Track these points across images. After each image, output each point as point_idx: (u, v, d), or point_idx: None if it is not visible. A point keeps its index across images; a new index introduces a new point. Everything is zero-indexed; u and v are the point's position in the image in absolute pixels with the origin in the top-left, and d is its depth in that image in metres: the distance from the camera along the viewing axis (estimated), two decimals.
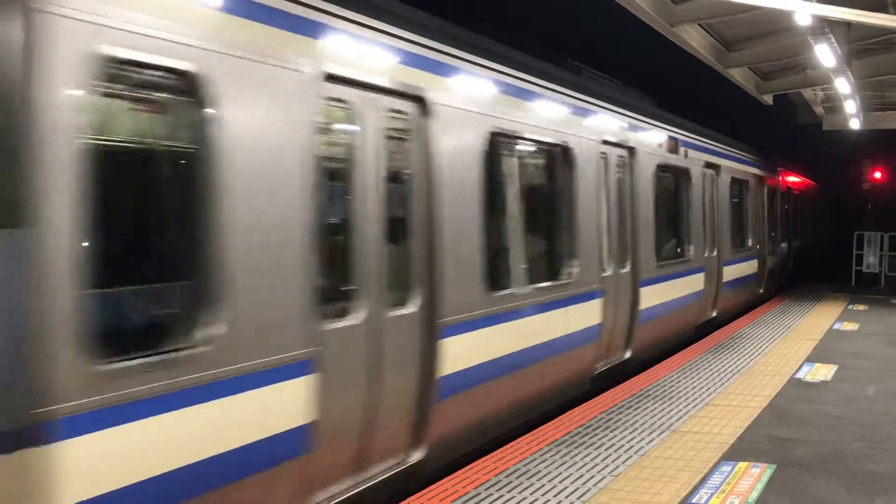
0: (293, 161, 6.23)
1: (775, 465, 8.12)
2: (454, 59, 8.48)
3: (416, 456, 7.87)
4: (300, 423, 6.27)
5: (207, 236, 5.58)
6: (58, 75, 4.59)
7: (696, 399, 10.84)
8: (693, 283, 16.42)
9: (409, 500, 7.19)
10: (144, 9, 5.14)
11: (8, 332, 4.39)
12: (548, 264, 10.97)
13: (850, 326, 18.00)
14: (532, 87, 10.22)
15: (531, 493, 7.32)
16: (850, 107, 22.51)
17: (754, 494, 7.34)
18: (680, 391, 11.28)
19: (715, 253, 18.17)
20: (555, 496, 7.26)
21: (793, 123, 30.33)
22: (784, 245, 26.65)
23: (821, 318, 19.19)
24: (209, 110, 5.60)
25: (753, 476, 7.82)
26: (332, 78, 6.74)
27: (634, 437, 9.05)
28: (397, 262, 7.62)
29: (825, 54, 14.93)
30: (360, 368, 7.03)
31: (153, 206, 5.88)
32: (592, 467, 8.03)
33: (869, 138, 37.85)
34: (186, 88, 5.52)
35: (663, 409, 10.27)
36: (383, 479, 7.42)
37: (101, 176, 4.84)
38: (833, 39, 14.08)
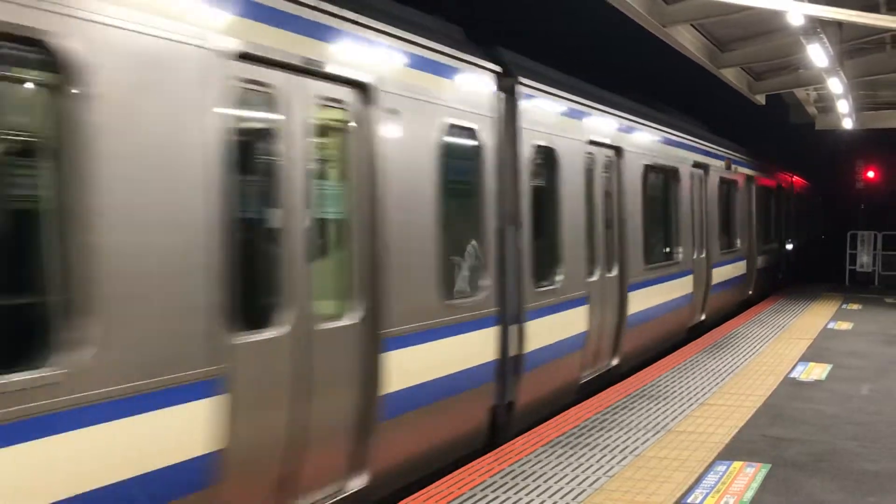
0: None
1: (770, 465, 8.14)
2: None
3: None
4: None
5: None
6: None
7: (691, 399, 10.86)
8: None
9: (403, 502, 7.20)
10: None
11: None
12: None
13: (845, 326, 18.04)
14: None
15: (526, 494, 7.33)
16: (843, 106, 22.56)
17: (749, 494, 7.36)
18: (675, 391, 11.30)
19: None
20: (550, 497, 7.27)
21: (786, 123, 30.39)
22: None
23: (815, 318, 19.23)
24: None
25: (748, 476, 7.83)
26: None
27: (630, 438, 9.06)
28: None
29: (817, 54, 14.97)
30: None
31: None
32: (588, 468, 8.05)
33: (862, 138, 37.92)
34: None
35: (658, 409, 10.29)
36: None
37: None
38: (825, 39, 14.11)
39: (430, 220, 8.03)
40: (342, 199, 7.12)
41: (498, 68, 9.44)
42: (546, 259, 10.54)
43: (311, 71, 6.57)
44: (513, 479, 7.73)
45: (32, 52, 4.60)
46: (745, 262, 21.81)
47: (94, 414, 4.73)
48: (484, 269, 9.08)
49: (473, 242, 9.26)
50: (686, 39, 16.63)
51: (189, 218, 5.38)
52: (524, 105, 9.86)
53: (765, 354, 14.15)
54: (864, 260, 30.81)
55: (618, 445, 8.76)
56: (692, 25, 16.61)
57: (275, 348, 6.14)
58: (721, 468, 8.03)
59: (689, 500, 7.21)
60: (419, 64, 7.97)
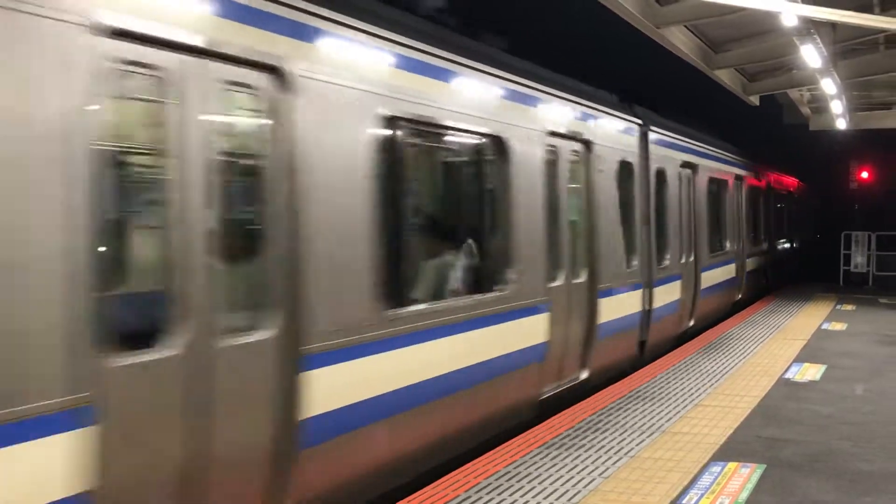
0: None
1: (765, 465, 8.16)
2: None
3: None
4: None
5: None
6: None
7: (686, 400, 10.88)
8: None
9: None
10: None
11: None
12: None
13: (839, 326, 18.07)
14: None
15: (521, 497, 7.34)
16: (837, 107, 22.59)
17: (744, 494, 7.38)
18: (670, 392, 11.32)
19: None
20: (545, 498, 7.28)
21: (779, 124, 30.45)
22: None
23: (809, 318, 19.26)
24: None
25: (743, 476, 7.85)
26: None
27: (625, 439, 9.08)
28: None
29: (811, 55, 15.00)
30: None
31: None
32: (582, 469, 8.06)
33: (855, 138, 37.99)
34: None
35: (653, 410, 10.31)
36: None
37: None
38: (819, 40, 14.14)
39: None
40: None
41: (639, 121, 13.97)
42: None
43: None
44: (507, 480, 7.74)
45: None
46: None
47: None
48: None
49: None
50: (679, 41, 16.65)
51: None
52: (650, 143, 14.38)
53: (759, 355, 14.18)
54: (859, 260, 30.89)
55: (613, 447, 8.78)
56: (685, 27, 16.63)
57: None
58: (716, 469, 8.05)
59: (684, 501, 7.23)
60: (610, 125, 12.17)
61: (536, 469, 8.07)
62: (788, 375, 12.50)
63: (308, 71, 6.54)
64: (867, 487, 7.63)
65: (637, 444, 8.86)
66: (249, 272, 6.32)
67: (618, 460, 8.33)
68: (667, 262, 15.31)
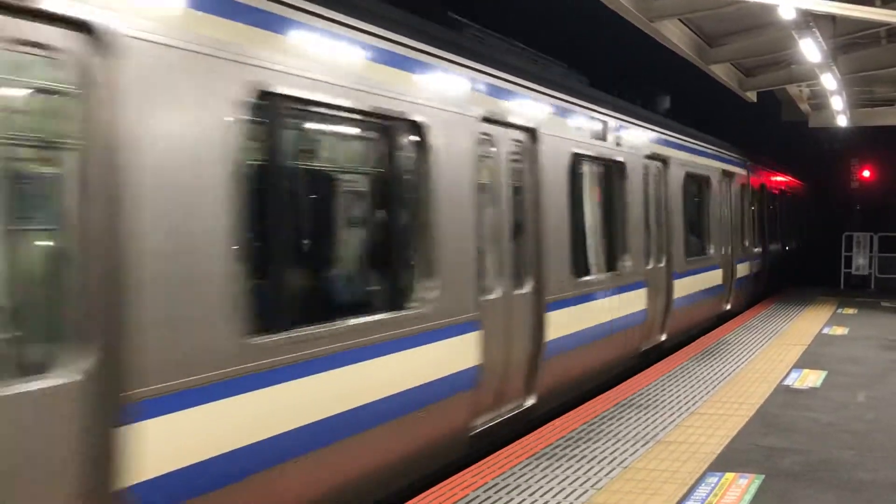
0: None
1: (763, 476, 8.15)
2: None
3: None
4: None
5: None
6: None
7: (681, 408, 10.87)
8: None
9: None
10: None
11: None
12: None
13: (840, 331, 18.11)
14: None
15: None
16: (837, 103, 22.68)
17: None
18: (664, 400, 11.31)
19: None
20: None
21: (778, 121, 30.53)
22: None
23: (809, 323, 19.30)
24: None
25: (741, 487, 7.84)
26: None
27: (618, 449, 9.06)
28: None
29: (810, 49, 15.04)
30: None
31: None
32: (574, 480, 8.04)
33: (857, 135, 38.14)
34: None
35: (648, 419, 10.30)
36: None
37: None
38: (818, 34, 14.18)
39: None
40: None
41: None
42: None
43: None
44: (496, 492, 7.71)
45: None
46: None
47: None
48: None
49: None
50: (674, 34, 16.69)
51: None
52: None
53: (757, 361, 14.19)
54: (860, 262, 30.92)
55: (606, 457, 8.76)
56: (680, 20, 16.68)
57: None
58: (713, 480, 8.03)
59: None
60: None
61: (527, 481, 8.04)
62: (788, 382, 12.50)
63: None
64: (870, 498, 7.63)
65: (631, 455, 8.85)
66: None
67: (611, 471, 8.31)
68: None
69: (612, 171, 13.66)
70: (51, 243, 5.10)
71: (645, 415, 10.52)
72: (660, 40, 16.45)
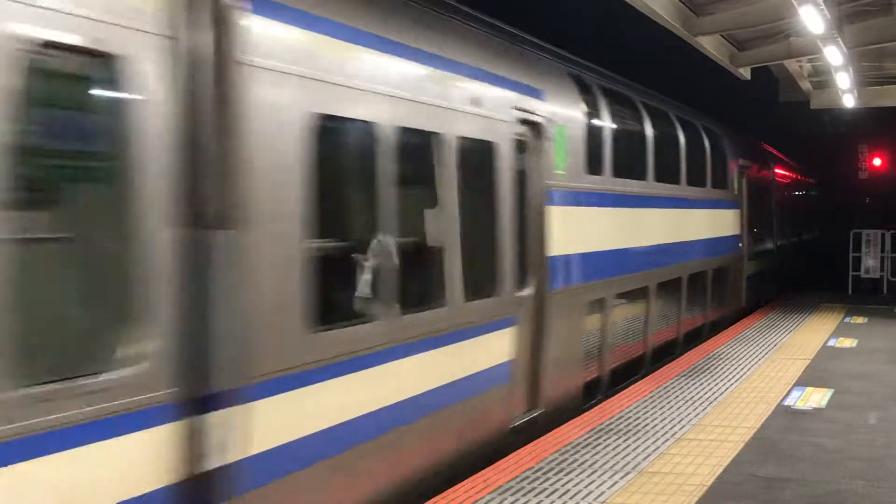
0: None
1: None
2: None
3: None
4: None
5: None
6: None
7: (666, 433, 10.94)
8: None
9: None
10: None
11: None
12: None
13: (847, 342, 18.29)
14: None
15: None
16: (843, 81, 22.91)
17: None
18: (647, 424, 11.37)
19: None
20: None
21: (775, 102, 30.76)
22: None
23: (813, 334, 19.47)
24: None
25: None
26: None
27: (594, 481, 9.11)
28: None
29: (812, 18, 15.18)
30: None
31: None
32: None
33: (865, 118, 38.52)
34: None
35: (627, 447, 10.35)
36: None
37: None
38: (820, 0, 14.32)
39: None
40: None
41: None
42: None
43: None
44: None
45: None
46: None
47: None
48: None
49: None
50: (656, 2, 16.78)
51: None
52: None
53: (754, 378, 14.30)
54: (870, 264, 31.07)
55: (579, 491, 8.80)
56: None
57: None
58: None
59: None
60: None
61: None
62: (788, 402, 12.62)
63: None
64: None
65: (609, 487, 8.90)
66: None
67: None
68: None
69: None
70: None
71: (625, 441, 10.58)
72: (640, 8, 16.54)
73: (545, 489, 8.86)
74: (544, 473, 9.37)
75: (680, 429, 11.14)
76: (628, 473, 9.35)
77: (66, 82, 5.74)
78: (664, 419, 11.64)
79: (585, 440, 10.65)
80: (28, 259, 5.20)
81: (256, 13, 6.78)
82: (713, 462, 9.71)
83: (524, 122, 11.43)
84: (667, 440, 10.63)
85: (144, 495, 5.72)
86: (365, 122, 8.36)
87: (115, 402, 5.53)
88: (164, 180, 5.91)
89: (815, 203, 42.85)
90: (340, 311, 8.13)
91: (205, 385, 6.14)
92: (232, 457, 6.33)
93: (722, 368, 15.19)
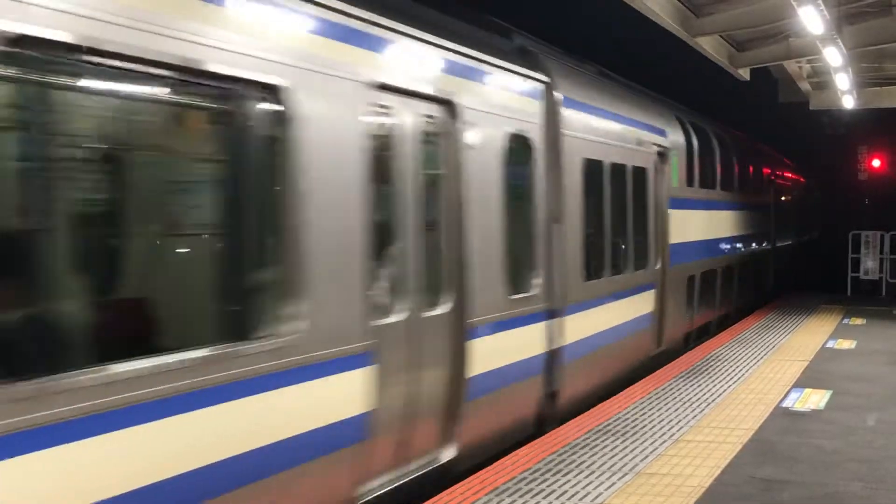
0: None
1: None
2: None
3: None
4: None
5: None
6: None
7: (664, 435, 10.94)
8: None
9: None
10: None
11: None
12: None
13: (846, 344, 18.30)
14: None
15: None
16: (842, 82, 22.91)
17: None
18: (645, 426, 11.37)
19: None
20: None
21: (774, 103, 30.77)
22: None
23: (811, 335, 19.48)
24: None
25: None
26: None
27: (591, 483, 9.10)
28: None
29: (811, 19, 15.19)
30: None
31: None
32: None
33: (865, 119, 38.55)
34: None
35: (625, 448, 10.35)
36: None
37: None
38: (820, 2, 14.32)
39: None
40: None
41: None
42: None
43: None
44: None
45: None
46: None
47: None
48: None
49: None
50: (655, 3, 16.79)
51: None
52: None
53: (752, 380, 14.31)
54: (869, 265, 31.11)
55: (577, 492, 8.80)
56: None
57: None
58: None
59: None
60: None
61: None
62: (787, 404, 12.62)
63: None
64: None
65: (606, 489, 8.89)
66: None
67: None
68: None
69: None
70: None
71: (623, 443, 10.57)
72: (640, 9, 16.55)
73: (542, 490, 8.86)
74: (542, 474, 9.37)
75: (678, 430, 11.14)
76: (626, 475, 9.35)
77: (516, 150, 11.16)
78: (662, 420, 11.64)
79: (583, 441, 10.64)
80: (518, 235, 11.42)
81: (566, 106, 12.64)
82: (711, 464, 9.70)
83: (658, 153, 16.98)
84: (665, 442, 10.63)
85: (541, 354, 11.73)
86: (602, 161, 14.12)
87: (531, 307, 11.54)
88: (542, 197, 11.93)
89: (815, 204, 42.85)
90: (595, 272, 13.82)
91: (552, 304, 12.00)
92: (561, 343, 12.19)
93: (720, 370, 15.19)
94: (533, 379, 11.52)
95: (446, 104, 9.73)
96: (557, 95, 12.36)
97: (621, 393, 13.42)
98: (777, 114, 36.78)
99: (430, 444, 9.36)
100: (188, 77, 6.44)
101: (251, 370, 6.68)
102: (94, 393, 5.50)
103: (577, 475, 9.34)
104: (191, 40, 6.33)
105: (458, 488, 8.94)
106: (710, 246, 21.16)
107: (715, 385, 13.88)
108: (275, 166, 7.20)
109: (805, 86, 27.58)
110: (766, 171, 28.94)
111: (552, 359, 11.90)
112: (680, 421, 11.60)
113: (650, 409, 12.25)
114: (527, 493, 8.78)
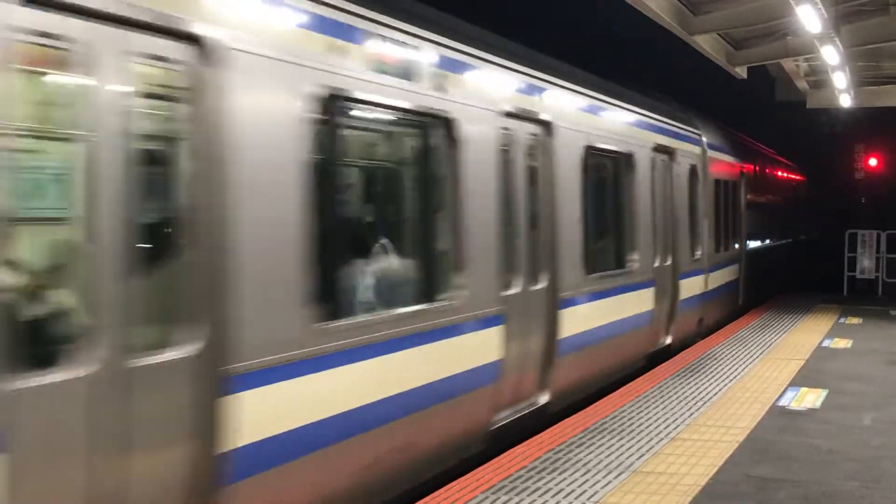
0: None
1: None
2: None
3: None
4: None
5: None
6: None
7: (660, 433, 10.96)
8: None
9: None
10: None
11: None
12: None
13: (842, 343, 18.33)
14: None
15: None
16: (840, 80, 22.96)
17: None
18: (641, 424, 11.40)
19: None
20: None
21: (771, 101, 30.81)
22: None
23: (807, 334, 19.51)
24: None
25: None
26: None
27: (587, 480, 9.13)
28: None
29: (809, 18, 15.22)
30: None
31: None
32: None
33: (862, 118, 38.61)
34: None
35: (621, 446, 10.38)
36: None
37: None
38: (818, 0, 14.35)
39: None
40: None
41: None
42: None
43: None
44: None
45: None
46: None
47: None
48: None
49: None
50: (653, 1, 16.80)
51: None
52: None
53: (748, 378, 14.34)
54: (866, 265, 31.09)
55: (573, 490, 8.82)
56: None
57: None
58: None
59: None
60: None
61: None
62: (783, 402, 12.64)
63: None
64: None
65: (602, 487, 8.92)
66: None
67: None
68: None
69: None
70: None
71: (619, 441, 10.60)
72: (636, 6, 16.57)
73: (538, 488, 8.88)
74: (538, 472, 9.39)
75: (674, 428, 11.17)
76: (622, 473, 9.37)
77: (692, 175, 18.69)
78: (658, 419, 11.66)
79: (580, 439, 10.67)
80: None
81: (707, 147, 19.72)
82: (707, 462, 9.73)
83: (741, 172, 25.04)
84: (661, 440, 10.66)
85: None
86: (722, 181, 21.35)
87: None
88: (702, 203, 19.50)
89: (812, 203, 42.89)
90: (719, 248, 21.35)
91: (702, 265, 19.77)
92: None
93: (716, 368, 15.22)
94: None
95: (670, 153, 17.54)
96: (704, 140, 20.19)
97: (618, 391, 13.44)
98: (774, 112, 36.82)
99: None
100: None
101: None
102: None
103: (573, 473, 9.36)
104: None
105: (455, 485, 8.96)
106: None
107: (711, 383, 13.91)
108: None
109: (802, 84, 27.62)
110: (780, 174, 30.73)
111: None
112: (676, 419, 11.63)
113: (646, 408, 12.28)
114: (523, 490, 8.80)
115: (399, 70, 8.81)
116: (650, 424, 11.38)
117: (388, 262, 9.44)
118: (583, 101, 13.76)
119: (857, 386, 13.91)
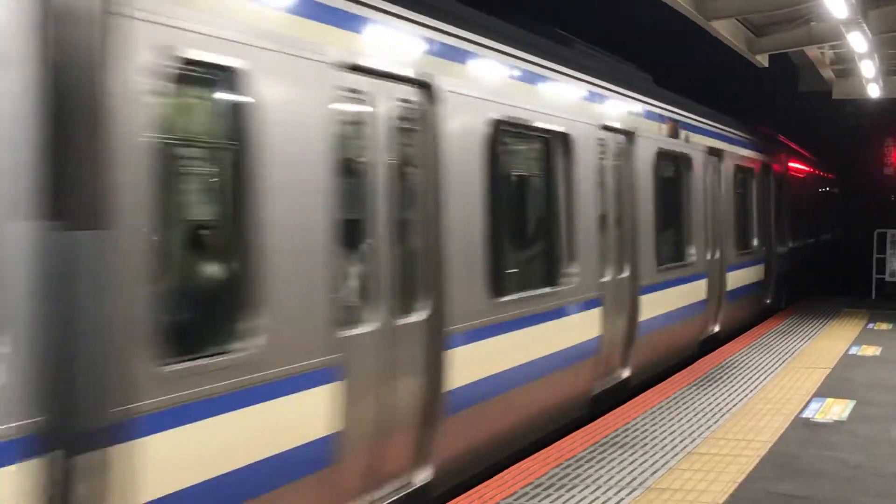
0: None
1: None
2: None
3: None
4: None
5: None
6: None
7: (675, 447, 10.94)
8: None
9: None
10: None
11: None
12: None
13: (871, 351, 18.31)
14: None
15: None
16: (867, 69, 22.92)
17: None
18: (655, 437, 11.37)
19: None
20: None
21: (794, 91, 30.78)
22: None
23: (833, 341, 19.50)
24: None
25: None
26: None
27: (597, 498, 9.10)
28: None
29: (834, 2, 15.17)
30: None
31: None
32: None
33: (892, 109, 38.57)
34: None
35: (634, 461, 10.35)
36: None
37: None
38: None
39: None
40: None
41: None
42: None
43: None
44: None
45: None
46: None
47: None
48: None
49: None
50: None
51: None
52: None
53: (770, 388, 14.32)
54: (895, 267, 31.07)
55: None
56: None
57: None
58: None
59: None
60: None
61: None
62: (807, 414, 12.62)
63: None
64: None
65: None
66: None
67: None
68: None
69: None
70: None
71: (631, 456, 10.57)
72: None
73: None
74: (544, 489, 9.36)
75: (690, 442, 11.14)
76: (634, 490, 9.34)
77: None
78: (673, 432, 11.64)
79: (589, 454, 10.64)
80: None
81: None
82: (726, 478, 9.70)
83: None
84: (676, 454, 10.63)
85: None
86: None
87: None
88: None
89: (839, 200, 42.93)
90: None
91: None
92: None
93: (736, 377, 15.20)
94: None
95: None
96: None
97: (630, 401, 13.42)
98: (797, 103, 36.79)
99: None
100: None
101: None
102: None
103: (581, 490, 9.34)
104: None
105: (458, 502, 8.93)
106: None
107: (730, 394, 13.88)
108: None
109: (827, 73, 27.56)
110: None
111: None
112: (693, 432, 11.60)
113: (661, 420, 12.25)
114: None
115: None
116: (664, 438, 11.35)
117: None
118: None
119: (887, 396, 13.89)
